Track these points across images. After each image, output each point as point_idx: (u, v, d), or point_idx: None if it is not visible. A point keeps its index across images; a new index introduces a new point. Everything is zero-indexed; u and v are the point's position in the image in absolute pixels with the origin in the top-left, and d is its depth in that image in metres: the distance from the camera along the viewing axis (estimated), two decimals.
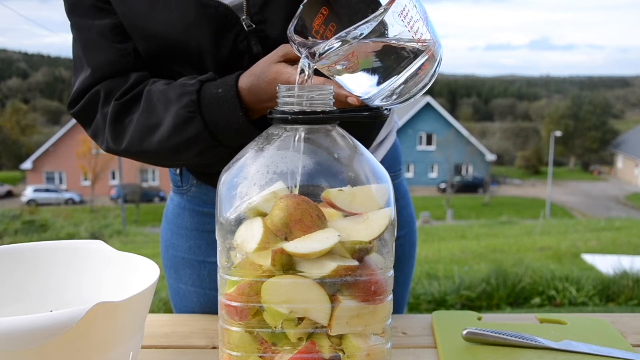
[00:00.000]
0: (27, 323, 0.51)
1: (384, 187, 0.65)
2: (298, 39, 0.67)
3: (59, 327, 0.51)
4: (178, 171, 1.09)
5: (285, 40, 0.77)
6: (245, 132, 0.82)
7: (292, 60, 0.77)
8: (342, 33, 0.62)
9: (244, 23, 0.86)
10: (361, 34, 0.61)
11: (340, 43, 0.62)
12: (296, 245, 0.60)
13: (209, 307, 1.08)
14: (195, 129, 0.83)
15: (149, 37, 0.89)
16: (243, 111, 0.81)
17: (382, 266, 0.64)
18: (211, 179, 1.02)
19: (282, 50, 0.78)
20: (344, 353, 0.63)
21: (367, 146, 1.03)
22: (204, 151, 0.86)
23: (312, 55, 0.64)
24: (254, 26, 0.86)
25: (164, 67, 0.92)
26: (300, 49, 0.65)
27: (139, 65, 0.93)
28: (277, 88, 0.65)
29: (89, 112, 0.92)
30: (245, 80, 0.81)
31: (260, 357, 0.63)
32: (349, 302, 0.62)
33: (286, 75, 0.75)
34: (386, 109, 0.68)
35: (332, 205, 0.62)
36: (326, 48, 0.63)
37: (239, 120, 0.81)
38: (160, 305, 4.85)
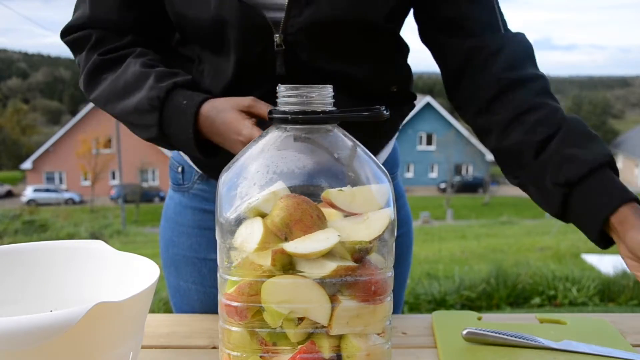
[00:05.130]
0: (27, 323, 0.51)
1: (384, 187, 0.65)
2: None
3: (60, 327, 0.51)
4: (180, 169, 1.09)
5: (310, 66, 0.84)
6: (189, 149, 0.86)
7: (253, 115, 0.81)
8: None
9: (275, 42, 0.86)
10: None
11: None
12: (296, 246, 0.60)
13: (210, 304, 1.08)
14: (151, 120, 0.86)
15: (181, 17, 0.90)
16: (193, 131, 0.84)
17: (382, 266, 0.64)
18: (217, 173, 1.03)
19: (249, 102, 0.81)
20: (343, 354, 0.63)
21: (376, 148, 1.04)
22: (154, 140, 0.90)
23: None
24: (283, 47, 0.86)
25: (186, 46, 0.94)
26: None
27: (138, 31, 0.95)
28: (277, 88, 0.65)
29: (77, 47, 0.96)
30: (207, 108, 0.84)
31: (261, 357, 0.63)
32: (349, 302, 0.62)
33: (240, 129, 0.79)
34: (386, 109, 0.68)
35: (332, 206, 0.62)
36: None
37: (187, 135, 0.85)
38: (160, 305, 4.85)
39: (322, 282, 0.60)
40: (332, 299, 0.61)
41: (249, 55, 0.88)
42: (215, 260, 1.02)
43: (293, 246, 0.60)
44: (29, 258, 0.74)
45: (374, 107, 0.67)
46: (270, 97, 0.88)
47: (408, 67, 1.04)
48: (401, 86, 1.01)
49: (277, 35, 0.86)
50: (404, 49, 1.02)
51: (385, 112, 0.67)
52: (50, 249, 0.75)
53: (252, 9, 0.85)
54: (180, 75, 0.88)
